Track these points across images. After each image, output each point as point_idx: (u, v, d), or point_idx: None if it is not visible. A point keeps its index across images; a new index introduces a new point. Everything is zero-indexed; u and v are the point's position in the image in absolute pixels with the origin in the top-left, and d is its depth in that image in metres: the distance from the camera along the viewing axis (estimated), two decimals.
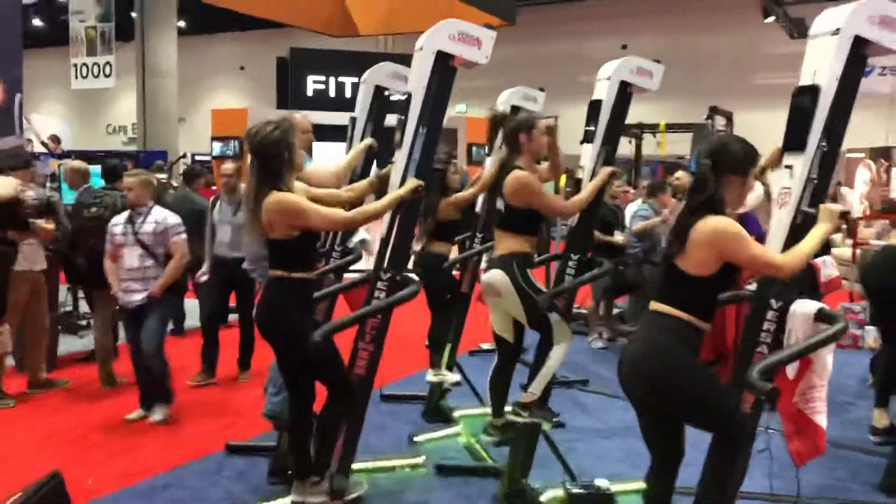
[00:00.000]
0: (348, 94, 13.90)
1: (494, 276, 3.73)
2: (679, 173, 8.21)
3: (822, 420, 2.67)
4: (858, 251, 9.44)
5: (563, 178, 10.27)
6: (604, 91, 3.99)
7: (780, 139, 2.81)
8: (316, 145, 5.32)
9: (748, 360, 2.69)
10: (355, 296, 4.03)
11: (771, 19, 16.92)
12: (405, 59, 4.11)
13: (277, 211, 3.15)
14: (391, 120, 3.79)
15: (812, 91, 2.70)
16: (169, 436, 4.89)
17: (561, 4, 22.10)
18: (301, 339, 3.19)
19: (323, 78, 14.28)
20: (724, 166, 2.66)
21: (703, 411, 2.64)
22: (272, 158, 3.18)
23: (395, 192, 3.47)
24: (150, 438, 4.83)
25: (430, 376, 5.15)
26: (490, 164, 4.93)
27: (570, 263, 4.00)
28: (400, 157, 3.55)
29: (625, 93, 3.99)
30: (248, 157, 3.24)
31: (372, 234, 4.21)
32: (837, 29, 2.68)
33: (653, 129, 16.13)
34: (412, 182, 3.46)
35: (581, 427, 5.09)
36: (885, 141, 16.79)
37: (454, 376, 5.20)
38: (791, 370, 2.67)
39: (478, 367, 5.58)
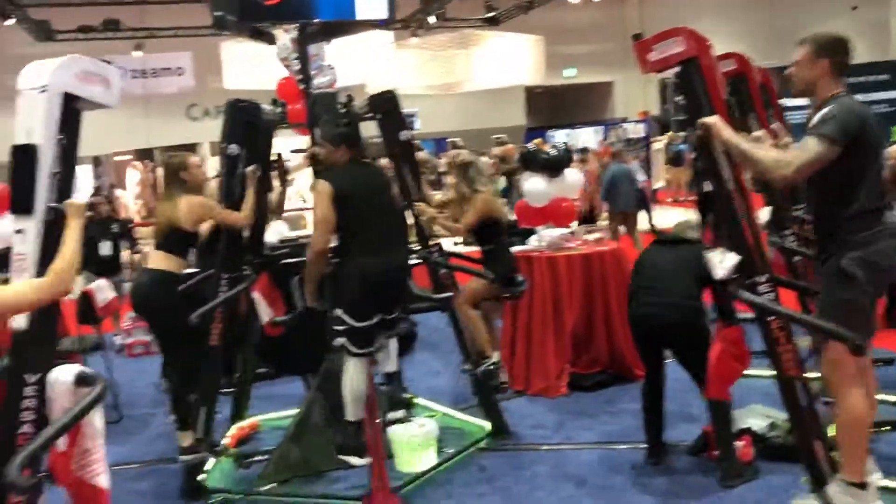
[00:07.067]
0: None
1: None
2: None
3: (103, 481, 2.66)
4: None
5: None
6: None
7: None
8: None
9: (12, 447, 2.47)
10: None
11: (11, 21, 16.01)
12: None
13: None
14: None
15: (30, 150, 2.59)
16: None
17: None
18: None
19: None
20: None
21: None
22: None
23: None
24: None
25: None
26: None
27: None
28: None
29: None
30: None
31: None
32: (45, 86, 2.62)
33: None
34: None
35: None
36: (147, 142, 17.75)
37: None
38: (61, 441, 2.57)
39: None
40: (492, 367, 4.86)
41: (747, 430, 4.17)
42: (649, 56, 3.32)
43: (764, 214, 4.46)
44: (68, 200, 2.66)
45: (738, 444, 4.10)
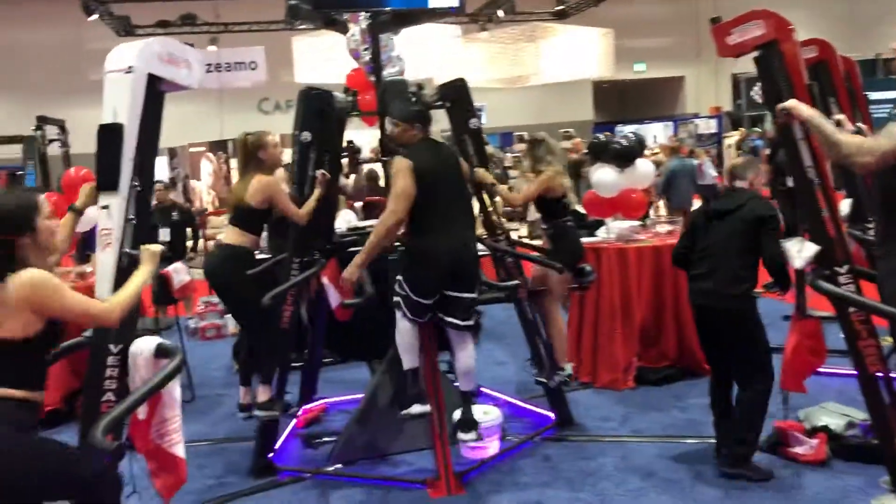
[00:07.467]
0: None
1: None
2: None
3: (180, 450, 2.74)
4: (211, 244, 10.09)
5: None
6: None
7: None
8: None
9: (95, 414, 2.58)
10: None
11: (95, 17, 16.61)
12: None
13: None
14: None
15: (116, 129, 2.69)
16: None
17: None
18: None
19: None
20: None
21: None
22: None
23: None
24: None
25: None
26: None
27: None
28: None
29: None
30: None
31: None
32: (130, 67, 2.72)
33: None
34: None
35: None
36: (221, 134, 18.17)
37: None
38: (141, 410, 2.66)
39: None
40: (566, 378, 4.85)
41: (823, 429, 4.04)
42: (727, 39, 3.24)
43: (844, 206, 4.31)
44: (144, 246, 2.73)
45: (813, 442, 3.99)
